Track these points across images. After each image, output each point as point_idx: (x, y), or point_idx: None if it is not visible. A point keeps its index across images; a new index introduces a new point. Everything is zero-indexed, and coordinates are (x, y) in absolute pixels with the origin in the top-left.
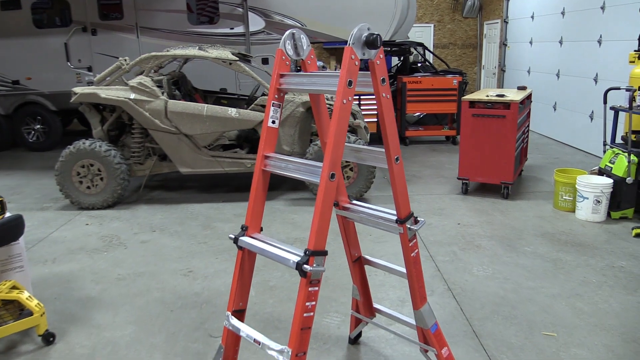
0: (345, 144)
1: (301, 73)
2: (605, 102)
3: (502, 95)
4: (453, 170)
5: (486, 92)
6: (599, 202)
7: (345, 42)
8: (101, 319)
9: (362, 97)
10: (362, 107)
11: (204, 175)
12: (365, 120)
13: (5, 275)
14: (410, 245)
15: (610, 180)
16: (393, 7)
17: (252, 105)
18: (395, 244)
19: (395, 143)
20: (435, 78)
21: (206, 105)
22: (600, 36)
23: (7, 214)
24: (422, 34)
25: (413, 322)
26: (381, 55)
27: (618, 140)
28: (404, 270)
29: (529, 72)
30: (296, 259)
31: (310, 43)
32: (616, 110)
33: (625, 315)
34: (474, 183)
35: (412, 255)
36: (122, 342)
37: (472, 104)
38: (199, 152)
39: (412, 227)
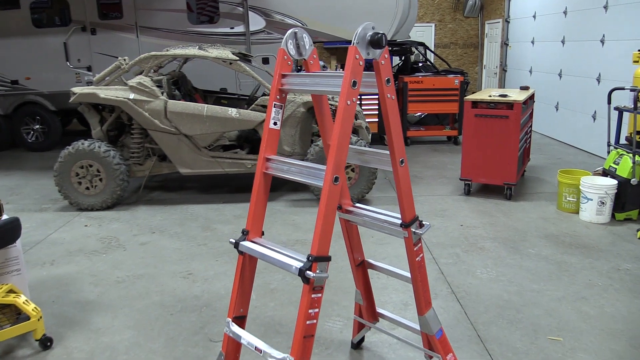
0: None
1: (303, 73)
2: (609, 102)
3: (505, 96)
4: (455, 171)
5: (489, 92)
6: (603, 203)
7: (347, 42)
8: (100, 322)
9: (363, 96)
10: (363, 107)
11: (204, 175)
12: (367, 120)
13: (2, 279)
14: (415, 249)
15: (615, 182)
16: (394, 6)
17: (253, 106)
18: (397, 246)
19: (400, 145)
20: (437, 78)
21: (206, 105)
22: (603, 36)
23: (4, 216)
24: (423, 33)
25: (417, 327)
26: (386, 55)
27: (622, 141)
28: (408, 274)
29: (530, 71)
30: (299, 265)
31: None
32: (620, 111)
33: (632, 320)
34: (476, 184)
35: (417, 259)
36: (121, 346)
37: (475, 104)
38: (198, 153)
39: (417, 231)
